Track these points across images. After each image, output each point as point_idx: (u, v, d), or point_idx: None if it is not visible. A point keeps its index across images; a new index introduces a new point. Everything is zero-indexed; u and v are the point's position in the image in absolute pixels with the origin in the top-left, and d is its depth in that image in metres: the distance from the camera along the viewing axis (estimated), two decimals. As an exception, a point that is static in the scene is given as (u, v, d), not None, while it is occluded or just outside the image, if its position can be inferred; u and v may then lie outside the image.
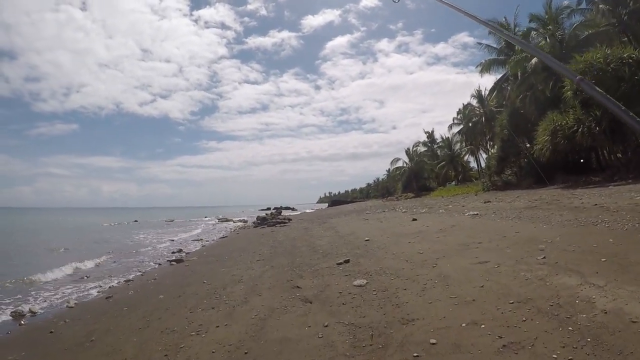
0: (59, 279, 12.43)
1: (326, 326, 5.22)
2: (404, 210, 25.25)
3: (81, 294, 10.09)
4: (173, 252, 18.01)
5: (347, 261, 9.55)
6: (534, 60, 28.92)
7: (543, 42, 30.95)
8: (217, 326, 5.81)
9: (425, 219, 17.77)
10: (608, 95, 2.19)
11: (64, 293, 10.28)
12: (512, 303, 5.09)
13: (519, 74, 33.32)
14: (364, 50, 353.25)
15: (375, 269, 8.29)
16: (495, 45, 38.28)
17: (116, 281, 11.52)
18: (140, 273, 12.83)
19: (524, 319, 4.55)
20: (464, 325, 4.65)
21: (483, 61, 39.48)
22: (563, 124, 23.24)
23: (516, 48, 33.06)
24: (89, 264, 14.93)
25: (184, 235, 28.60)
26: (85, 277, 12.51)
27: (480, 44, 40.27)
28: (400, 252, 9.98)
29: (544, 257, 7.04)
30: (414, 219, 17.68)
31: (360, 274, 8.02)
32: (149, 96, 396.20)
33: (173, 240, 24.29)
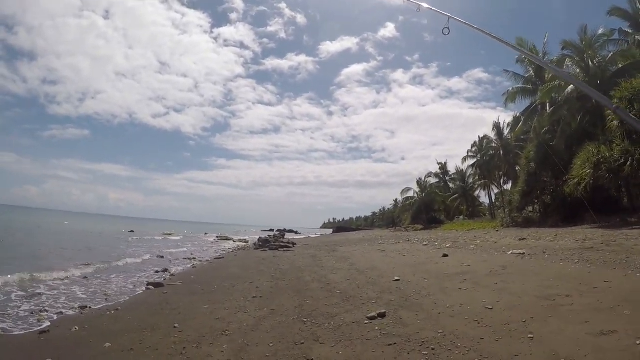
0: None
1: None
2: (424, 243, 22.30)
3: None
4: (156, 272, 15.33)
5: (382, 315, 6.70)
6: (569, 88, 26.61)
7: (578, 70, 28.45)
8: None
9: (457, 255, 14.93)
10: None
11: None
12: None
13: (547, 105, 31.15)
14: (379, 79, 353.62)
15: (435, 336, 5.47)
16: (522, 74, 36.01)
17: (67, 309, 8.77)
18: (104, 298, 10.10)
19: None
20: None
21: (509, 89, 36.89)
22: (608, 156, 20.52)
23: (546, 76, 31.14)
24: (46, 277, 12.25)
25: (177, 251, 25.82)
26: (27, 296, 9.70)
27: (507, 71, 37.39)
28: (455, 304, 7.14)
29: None
30: (445, 255, 14.82)
31: (414, 344, 5.21)
32: (162, 109, 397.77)
33: (162, 257, 21.39)
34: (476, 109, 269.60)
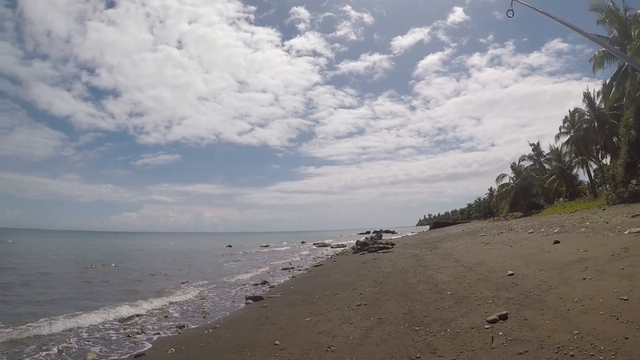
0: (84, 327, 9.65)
1: None
2: (530, 231, 20.45)
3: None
4: (256, 285, 15.25)
5: (504, 317, 5.80)
6: None
7: None
8: None
9: (570, 240, 13.33)
10: None
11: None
12: None
13: None
14: (457, 66, 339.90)
15: (571, 339, 4.58)
16: (606, 35, 32.54)
17: (164, 330, 8.63)
18: (202, 316, 9.95)
19: None
20: None
21: (595, 54, 33.91)
22: None
23: (633, 34, 28.24)
24: (155, 304, 12.18)
25: (275, 263, 25.85)
26: (134, 323, 9.69)
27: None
28: (584, 297, 6.07)
29: None
30: (556, 241, 13.32)
31: (549, 351, 4.36)
32: (247, 125, 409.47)
33: (260, 268, 21.43)
34: (561, 82, 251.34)
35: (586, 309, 5.56)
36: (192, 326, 8.81)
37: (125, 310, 10.78)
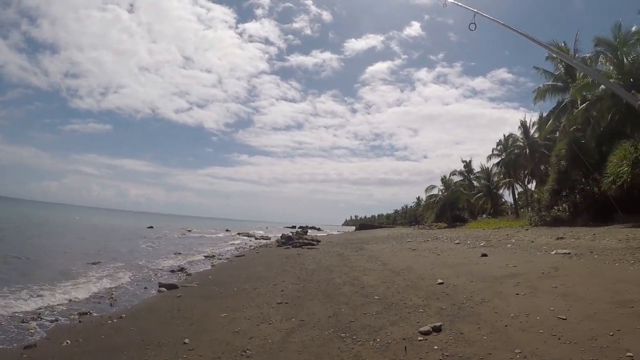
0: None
1: None
2: (456, 242, 20.88)
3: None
4: (172, 271, 14.31)
5: (437, 329, 5.46)
6: (602, 86, 25.28)
7: (612, 67, 26.89)
8: None
9: (497, 255, 13.58)
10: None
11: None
12: None
13: (578, 103, 29.60)
14: (403, 77, 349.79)
15: (513, 358, 4.34)
16: (552, 71, 34.56)
17: (64, 317, 7.63)
18: (108, 303, 9.03)
19: None
20: None
21: (540, 86, 35.35)
22: (646, 153, 20.01)
23: (578, 74, 29.72)
24: (59, 286, 10.87)
25: (195, 249, 24.72)
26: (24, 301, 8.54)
27: (537, 68, 35.82)
28: (519, 313, 5.91)
29: None
30: (484, 254, 13.45)
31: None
32: (185, 104, 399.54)
33: (179, 254, 20.37)
34: (499, 108, 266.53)
35: (524, 326, 5.34)
36: (95, 314, 7.83)
37: (24, 293, 9.39)
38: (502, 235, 22.91)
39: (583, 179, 27.98)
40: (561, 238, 17.26)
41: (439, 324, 5.60)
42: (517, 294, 7.15)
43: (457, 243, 20.18)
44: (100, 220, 65.51)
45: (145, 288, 11.01)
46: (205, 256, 20.20)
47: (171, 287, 10.70)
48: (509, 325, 5.40)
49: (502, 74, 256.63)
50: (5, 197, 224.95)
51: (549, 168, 35.85)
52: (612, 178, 21.57)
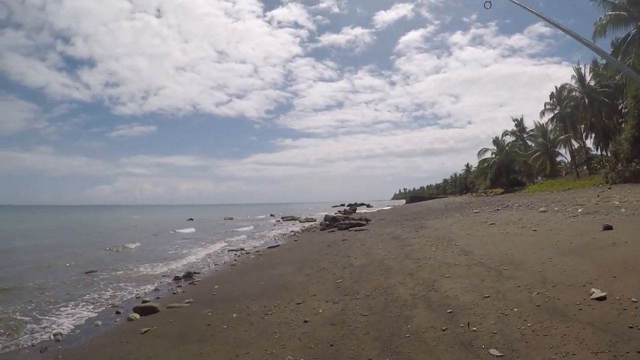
0: None
1: None
2: (542, 209, 16.22)
3: None
4: (176, 278, 10.86)
5: None
6: None
7: None
8: None
9: (628, 226, 9.17)
10: None
11: None
12: None
13: None
14: (438, 44, 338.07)
15: None
16: (612, 0, 29.15)
17: None
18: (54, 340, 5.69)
19: None
20: None
21: (599, 19, 29.65)
22: None
23: None
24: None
25: (226, 241, 21.19)
26: None
27: None
28: None
29: None
30: (608, 227, 9.02)
31: None
32: (225, 96, 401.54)
33: (202, 251, 16.82)
34: (540, 65, 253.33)
35: None
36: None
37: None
38: (589, 197, 18.50)
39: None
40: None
41: None
42: None
43: (544, 211, 15.69)
44: (146, 217, 63.49)
45: (117, 312, 7.57)
46: (232, 249, 16.66)
47: (148, 311, 7.13)
48: None
49: (540, 28, 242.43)
50: (61, 206, 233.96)
51: (624, 114, 31.77)
52: None
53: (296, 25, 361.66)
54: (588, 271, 5.74)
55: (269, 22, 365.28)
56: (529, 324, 4.16)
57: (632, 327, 3.70)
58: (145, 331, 5.80)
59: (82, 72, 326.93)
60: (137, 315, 7.00)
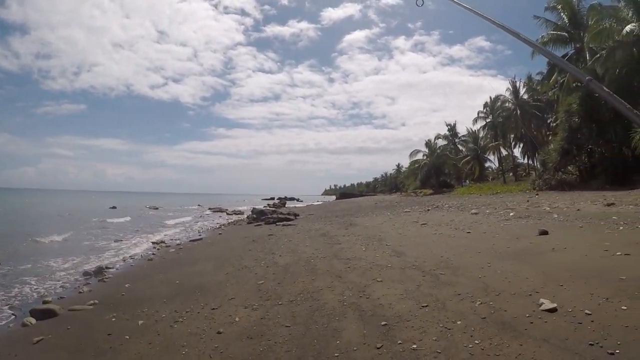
0: None
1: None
2: (473, 211, 16.42)
3: None
4: (86, 274, 9.70)
5: None
6: (628, 27, 22.87)
7: (631, 12, 23.85)
8: None
9: (560, 233, 9.30)
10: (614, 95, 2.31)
11: None
12: None
13: (587, 55, 28.48)
14: (381, 46, 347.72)
15: None
16: (555, 21, 31.50)
17: None
18: None
19: None
20: None
21: (540, 36, 31.57)
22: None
23: (589, 22, 28.11)
24: None
25: (146, 233, 19.87)
26: None
27: (537, 17, 32.36)
28: None
29: None
30: (543, 232, 9.21)
31: None
32: (161, 79, 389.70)
33: (118, 244, 15.64)
34: (477, 76, 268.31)
35: None
36: None
37: None
38: (519, 201, 19.27)
39: (598, 138, 25.23)
40: (612, 204, 13.65)
41: None
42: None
43: (475, 213, 15.95)
44: (65, 203, 59.15)
45: (14, 315, 6.60)
46: (154, 242, 15.59)
47: (47, 315, 6.24)
48: None
49: (480, 41, 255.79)
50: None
51: (552, 127, 35.13)
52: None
53: (242, 12, 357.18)
54: (531, 278, 5.58)
55: (215, 6, 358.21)
56: (476, 341, 3.77)
57: (592, 345, 3.42)
58: (38, 341, 4.99)
59: (14, 39, 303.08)
60: (33, 320, 6.07)
